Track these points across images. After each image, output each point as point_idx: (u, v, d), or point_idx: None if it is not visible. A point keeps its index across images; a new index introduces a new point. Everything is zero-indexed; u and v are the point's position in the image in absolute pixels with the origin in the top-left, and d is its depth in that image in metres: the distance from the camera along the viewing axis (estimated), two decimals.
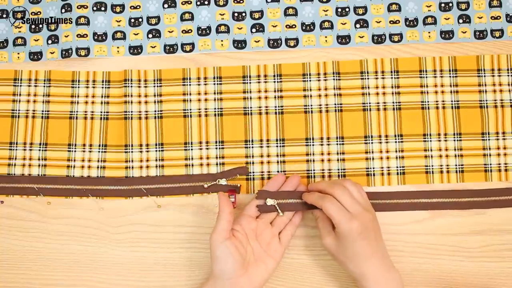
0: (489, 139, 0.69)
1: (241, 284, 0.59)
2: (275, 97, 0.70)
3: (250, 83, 0.70)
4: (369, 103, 0.70)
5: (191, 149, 0.69)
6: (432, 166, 0.69)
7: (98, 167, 0.69)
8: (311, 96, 0.70)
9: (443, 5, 0.72)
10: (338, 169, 0.69)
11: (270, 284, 0.66)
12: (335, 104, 0.70)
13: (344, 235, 0.58)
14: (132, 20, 0.71)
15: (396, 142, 0.69)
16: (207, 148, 0.69)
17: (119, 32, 0.71)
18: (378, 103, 0.70)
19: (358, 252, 0.58)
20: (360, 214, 0.58)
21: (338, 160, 0.69)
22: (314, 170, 0.69)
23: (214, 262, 0.59)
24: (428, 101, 0.70)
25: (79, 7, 0.71)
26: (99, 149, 0.69)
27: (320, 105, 0.70)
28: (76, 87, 0.70)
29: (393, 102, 0.70)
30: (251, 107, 0.70)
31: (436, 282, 0.67)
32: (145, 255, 0.67)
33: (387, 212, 0.68)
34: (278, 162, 0.69)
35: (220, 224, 0.59)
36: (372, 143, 0.69)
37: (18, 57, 0.71)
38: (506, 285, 0.66)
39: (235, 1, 0.72)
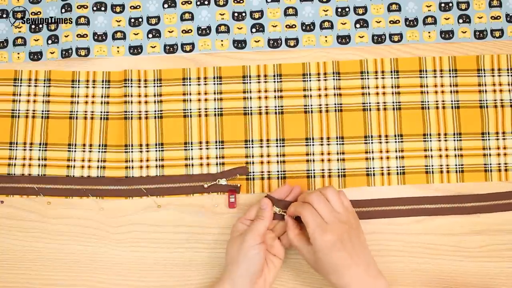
0: (489, 139, 0.69)
1: (259, 284, 0.60)
2: (275, 97, 0.70)
3: (250, 83, 0.70)
4: (369, 103, 0.70)
5: (191, 149, 0.69)
6: (432, 166, 0.69)
7: (98, 167, 0.69)
8: (311, 96, 0.70)
9: (443, 5, 0.72)
10: (338, 169, 0.69)
11: None
12: (335, 104, 0.70)
13: (318, 248, 0.57)
14: (132, 20, 0.71)
15: (396, 142, 0.69)
16: (207, 148, 0.69)
17: (119, 32, 0.71)
18: (378, 103, 0.70)
19: (336, 264, 0.57)
20: (335, 225, 0.58)
21: (338, 160, 0.69)
22: (314, 170, 0.69)
23: (242, 261, 0.59)
24: (428, 101, 0.70)
25: (79, 7, 0.71)
26: (99, 149, 0.69)
27: (320, 105, 0.70)
28: (76, 87, 0.70)
29: (393, 102, 0.70)
30: (251, 107, 0.70)
31: (436, 282, 0.67)
32: (145, 255, 0.67)
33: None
34: (278, 162, 0.69)
35: (261, 227, 0.60)
36: (372, 143, 0.69)
37: (18, 57, 0.71)
38: (506, 285, 0.66)
39: (235, 1, 0.72)
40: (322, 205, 0.59)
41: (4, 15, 0.72)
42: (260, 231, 0.60)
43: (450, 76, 0.70)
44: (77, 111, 0.70)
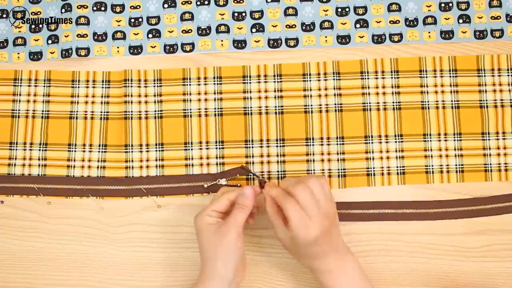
0: (489, 139, 0.69)
1: (241, 268, 0.60)
2: (275, 97, 0.70)
3: (250, 83, 0.70)
4: (369, 103, 0.70)
5: (191, 149, 0.69)
6: (432, 166, 0.69)
7: (98, 167, 0.69)
8: (311, 96, 0.70)
9: (443, 5, 0.72)
10: (338, 169, 0.69)
11: (270, 284, 0.66)
12: (335, 104, 0.70)
13: (300, 241, 0.56)
14: (132, 20, 0.71)
15: (396, 142, 0.69)
16: (207, 148, 0.69)
17: (119, 32, 0.71)
18: (378, 103, 0.70)
19: (311, 254, 0.58)
20: (318, 219, 0.56)
21: (338, 160, 0.69)
22: (314, 170, 0.69)
23: (227, 255, 0.58)
24: (428, 101, 0.70)
25: (79, 7, 0.71)
26: (99, 149, 0.69)
27: (320, 105, 0.70)
28: (76, 87, 0.70)
29: (393, 102, 0.70)
30: (251, 107, 0.70)
31: (436, 282, 0.67)
32: (145, 255, 0.67)
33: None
34: (278, 162, 0.69)
35: (243, 218, 0.59)
36: (372, 143, 0.69)
37: (18, 57, 0.71)
38: (506, 285, 0.66)
39: (235, 1, 0.72)
40: (307, 199, 0.57)
41: (4, 15, 0.72)
42: (242, 221, 0.59)
43: (450, 76, 0.70)
44: (77, 111, 0.70)
